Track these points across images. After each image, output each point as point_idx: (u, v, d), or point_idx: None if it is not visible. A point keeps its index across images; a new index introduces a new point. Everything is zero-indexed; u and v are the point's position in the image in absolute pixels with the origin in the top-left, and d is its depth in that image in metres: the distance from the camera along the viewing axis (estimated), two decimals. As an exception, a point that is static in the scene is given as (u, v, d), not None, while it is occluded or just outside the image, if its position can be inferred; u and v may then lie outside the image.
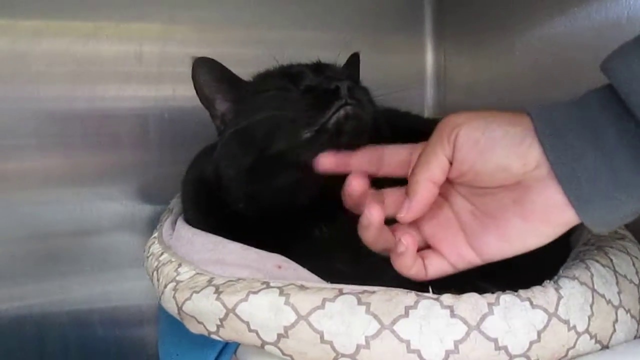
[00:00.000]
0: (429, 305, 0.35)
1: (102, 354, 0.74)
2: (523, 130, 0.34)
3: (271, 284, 0.39)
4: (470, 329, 0.34)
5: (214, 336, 0.40)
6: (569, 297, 0.36)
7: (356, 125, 0.43)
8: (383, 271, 0.40)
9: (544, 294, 0.36)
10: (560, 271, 0.40)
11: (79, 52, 0.70)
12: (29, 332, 0.71)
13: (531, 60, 0.71)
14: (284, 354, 0.37)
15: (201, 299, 0.40)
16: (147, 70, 0.74)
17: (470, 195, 0.38)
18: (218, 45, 0.78)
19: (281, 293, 0.37)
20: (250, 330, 0.37)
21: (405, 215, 0.37)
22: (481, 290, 0.37)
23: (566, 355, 0.35)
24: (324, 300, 0.36)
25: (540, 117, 0.34)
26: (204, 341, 0.42)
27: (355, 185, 0.40)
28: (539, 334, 0.34)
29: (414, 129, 0.44)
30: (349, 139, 0.43)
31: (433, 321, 0.34)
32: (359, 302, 0.36)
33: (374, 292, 0.37)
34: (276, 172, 0.46)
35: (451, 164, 0.36)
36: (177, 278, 0.44)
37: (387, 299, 0.36)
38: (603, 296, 0.38)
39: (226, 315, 0.38)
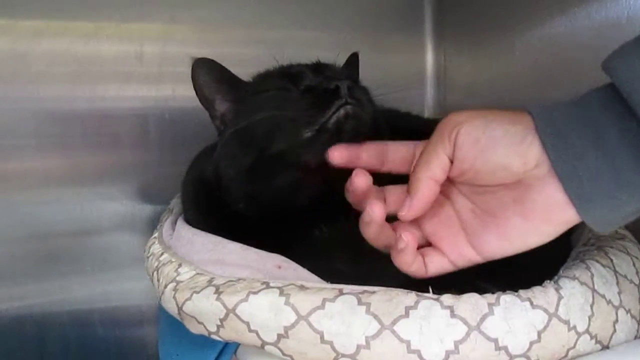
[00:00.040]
0: (429, 306, 0.35)
1: (102, 353, 0.74)
2: (524, 129, 0.34)
3: (271, 284, 0.39)
4: (471, 329, 0.34)
5: (214, 336, 0.40)
6: (569, 297, 0.36)
7: (356, 124, 0.43)
8: (383, 271, 0.40)
9: (544, 294, 0.36)
10: (561, 271, 0.40)
11: (79, 52, 0.70)
12: (29, 332, 0.71)
13: (531, 60, 0.71)
14: (284, 354, 0.37)
15: (201, 299, 0.40)
16: (147, 71, 0.74)
17: (471, 193, 0.38)
18: (218, 45, 0.78)
19: (281, 293, 0.37)
20: (250, 331, 0.37)
21: (406, 213, 0.37)
22: (481, 291, 0.37)
23: (566, 355, 0.35)
24: (324, 300, 0.36)
25: (541, 116, 0.34)
26: (204, 341, 0.42)
27: (359, 182, 0.40)
28: (539, 334, 0.34)
29: (414, 130, 0.44)
30: (349, 138, 0.43)
31: (433, 321, 0.34)
32: (359, 302, 0.36)
33: (374, 292, 0.37)
34: (276, 172, 0.46)
35: (452, 162, 0.36)
36: (177, 278, 0.44)
37: (387, 299, 0.36)
38: (603, 296, 0.38)
39: (226, 315, 0.38)
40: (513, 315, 0.35)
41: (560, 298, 0.36)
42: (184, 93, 0.74)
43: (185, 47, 0.75)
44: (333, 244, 0.46)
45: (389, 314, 0.35)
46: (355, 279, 0.39)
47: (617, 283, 0.39)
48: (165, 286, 0.44)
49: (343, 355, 0.35)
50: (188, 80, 0.52)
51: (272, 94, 0.49)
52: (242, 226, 0.48)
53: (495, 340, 0.34)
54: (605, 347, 0.37)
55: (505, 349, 0.34)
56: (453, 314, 0.35)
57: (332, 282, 0.40)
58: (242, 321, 0.37)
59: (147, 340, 0.76)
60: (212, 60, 0.52)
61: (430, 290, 0.37)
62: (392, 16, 0.90)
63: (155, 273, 0.48)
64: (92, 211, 0.72)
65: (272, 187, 0.47)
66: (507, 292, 0.37)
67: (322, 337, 0.35)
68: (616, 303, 0.38)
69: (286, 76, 0.50)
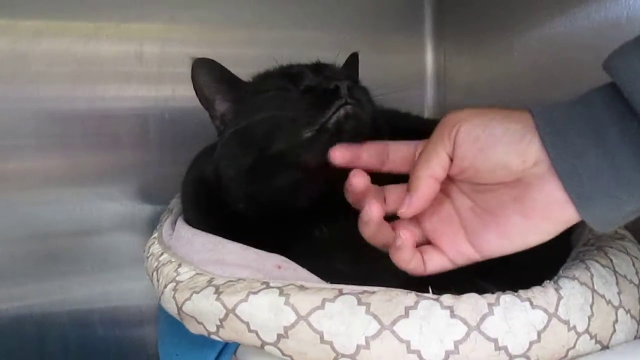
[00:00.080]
0: (429, 306, 0.35)
1: (102, 354, 0.74)
2: (523, 128, 0.34)
3: (271, 284, 0.39)
4: (470, 329, 0.34)
5: (213, 336, 0.40)
6: (569, 297, 0.36)
7: (356, 124, 0.43)
8: (383, 271, 0.40)
9: (544, 294, 0.36)
10: (560, 271, 0.40)
11: (79, 52, 0.70)
12: (29, 332, 0.71)
13: (531, 60, 0.71)
14: (283, 354, 0.37)
15: (201, 299, 0.40)
16: (147, 71, 0.74)
17: (472, 192, 0.38)
18: (218, 46, 0.78)
19: (281, 293, 0.37)
20: (250, 331, 0.37)
21: (405, 210, 0.38)
22: (481, 291, 0.37)
23: (566, 355, 0.35)
24: (324, 300, 0.36)
25: (541, 114, 0.34)
26: (204, 341, 0.42)
27: (357, 182, 0.40)
28: (539, 334, 0.35)
29: (414, 130, 0.44)
30: (349, 138, 0.43)
31: (433, 321, 0.34)
32: (359, 303, 0.36)
33: (374, 292, 0.37)
34: (276, 172, 0.46)
35: (452, 160, 0.36)
36: (177, 278, 0.44)
37: (387, 299, 0.36)
38: (603, 296, 0.38)
39: (226, 315, 0.38)
40: (513, 315, 0.35)
41: (560, 298, 0.36)
42: (183, 93, 0.74)
43: (185, 47, 0.75)
44: (333, 244, 0.46)
45: (388, 314, 0.35)
46: (355, 279, 0.39)
47: (617, 283, 0.39)
48: (165, 286, 0.44)
49: (343, 356, 0.35)
50: (188, 81, 0.52)
51: (272, 94, 0.49)
52: (242, 226, 0.48)
53: (495, 341, 0.34)
54: (605, 347, 0.37)
55: (505, 349, 0.34)
56: (453, 314, 0.35)
57: (331, 282, 0.40)
58: (242, 321, 0.37)
59: (147, 340, 0.76)
60: (212, 60, 0.52)
61: (430, 290, 0.37)
62: (392, 16, 0.90)
63: (154, 273, 0.48)
64: (92, 211, 0.72)
65: (272, 187, 0.47)
66: (507, 292, 0.37)
67: (321, 337, 0.35)
68: (616, 303, 0.38)
69: (286, 76, 0.50)
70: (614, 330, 0.37)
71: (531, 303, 0.35)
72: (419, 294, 0.37)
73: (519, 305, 0.35)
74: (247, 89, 0.52)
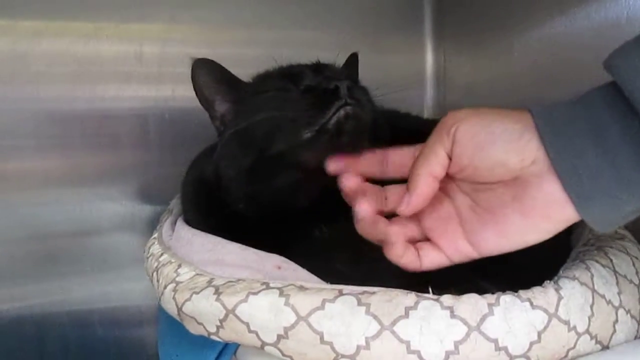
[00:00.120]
0: (429, 306, 0.35)
1: (102, 354, 0.74)
2: (522, 127, 0.34)
3: (271, 285, 0.38)
4: (471, 329, 0.34)
5: (213, 337, 0.40)
6: (569, 297, 0.36)
7: (356, 125, 0.43)
8: (383, 272, 0.40)
9: (544, 294, 0.36)
10: (560, 271, 0.40)
11: (79, 52, 0.70)
12: (29, 333, 0.71)
13: (530, 60, 0.71)
14: (283, 354, 0.37)
15: (201, 300, 0.40)
16: (147, 71, 0.74)
17: (472, 191, 0.38)
18: (218, 46, 0.78)
19: (281, 294, 0.37)
20: (250, 331, 0.37)
21: (404, 209, 0.38)
22: (481, 291, 0.37)
23: (566, 355, 0.35)
24: (324, 301, 0.36)
25: (541, 114, 0.34)
26: (204, 342, 0.42)
27: (347, 182, 0.42)
28: (539, 334, 0.34)
29: (414, 130, 0.44)
30: (349, 138, 0.43)
31: (433, 322, 0.34)
32: (359, 303, 0.36)
33: (373, 292, 0.37)
34: (276, 172, 0.46)
35: (450, 159, 0.37)
36: (177, 279, 0.44)
37: (387, 300, 0.36)
38: (603, 296, 0.38)
39: (226, 316, 0.38)
40: (513, 315, 0.35)
41: (560, 298, 0.36)
42: (183, 93, 0.74)
43: (185, 47, 0.75)
44: (333, 245, 0.46)
45: (388, 314, 0.35)
46: (355, 280, 0.39)
47: (617, 283, 0.39)
48: (165, 287, 0.44)
49: (343, 356, 0.35)
50: (188, 81, 0.52)
51: (272, 95, 0.49)
52: (242, 226, 0.48)
53: (495, 341, 0.34)
54: (605, 347, 0.37)
55: (505, 349, 0.34)
56: (453, 315, 0.35)
57: (331, 283, 0.40)
58: (242, 322, 0.37)
59: (146, 341, 0.76)
60: (212, 61, 0.52)
61: (430, 290, 0.37)
62: (392, 16, 0.90)
63: (154, 274, 0.48)
64: (91, 212, 0.72)
65: (272, 188, 0.47)
66: (507, 292, 0.37)
67: (321, 338, 0.35)
68: (616, 303, 0.38)
69: (286, 76, 0.50)
70: (614, 331, 0.37)
71: (531, 303, 0.35)
72: (419, 294, 0.37)
73: (519, 305, 0.35)
74: (247, 89, 0.52)
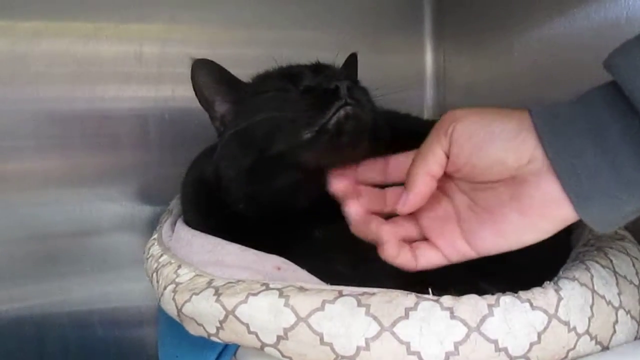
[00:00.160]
0: (429, 307, 0.35)
1: (102, 354, 0.74)
2: (519, 126, 0.34)
3: (270, 286, 0.38)
4: (471, 330, 0.34)
5: (213, 338, 0.40)
6: (569, 298, 0.36)
7: (356, 125, 0.43)
8: (383, 272, 0.40)
9: (544, 295, 0.36)
10: (560, 272, 0.40)
11: (78, 52, 0.70)
12: (28, 333, 0.71)
13: (530, 60, 0.71)
14: (283, 355, 0.37)
15: (201, 301, 0.40)
16: (146, 71, 0.74)
17: (470, 190, 0.38)
18: (218, 46, 0.78)
19: (281, 295, 0.37)
20: (249, 332, 0.37)
21: (402, 207, 0.38)
22: (481, 292, 0.37)
23: (566, 356, 0.35)
24: (324, 302, 0.36)
25: (540, 114, 0.34)
26: (204, 343, 0.42)
27: (336, 185, 0.43)
28: (539, 335, 0.34)
29: (414, 131, 0.44)
30: (349, 139, 0.43)
31: (433, 323, 0.34)
32: (359, 304, 0.36)
33: (373, 293, 0.37)
34: (276, 173, 0.46)
35: (449, 158, 0.37)
36: (177, 280, 0.44)
37: (387, 301, 0.36)
38: (603, 297, 0.38)
39: (226, 317, 0.38)
40: (513, 316, 0.35)
41: (560, 299, 0.36)
42: (183, 94, 0.74)
43: (184, 47, 0.75)
44: (333, 245, 0.46)
45: (388, 315, 0.35)
46: (355, 280, 0.39)
47: (617, 284, 0.39)
48: (165, 288, 0.44)
49: (343, 357, 0.35)
50: (188, 81, 0.52)
51: (272, 95, 0.49)
52: (242, 227, 0.48)
53: (495, 342, 0.34)
54: (605, 348, 0.37)
55: (505, 350, 0.34)
56: (453, 316, 0.35)
57: (331, 283, 0.40)
58: (242, 323, 0.37)
59: (146, 341, 0.76)
60: (212, 62, 0.52)
61: (430, 291, 0.37)
62: (392, 16, 0.90)
63: (154, 274, 0.48)
64: (91, 212, 0.72)
65: (272, 188, 0.47)
66: (507, 293, 0.37)
67: (321, 339, 0.35)
68: (616, 304, 0.38)
69: (285, 77, 0.50)
70: (614, 331, 0.37)
71: (531, 304, 0.35)
72: (419, 295, 0.37)
73: (519, 306, 0.35)
74: (247, 89, 0.52)
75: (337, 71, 0.54)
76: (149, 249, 0.53)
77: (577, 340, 0.35)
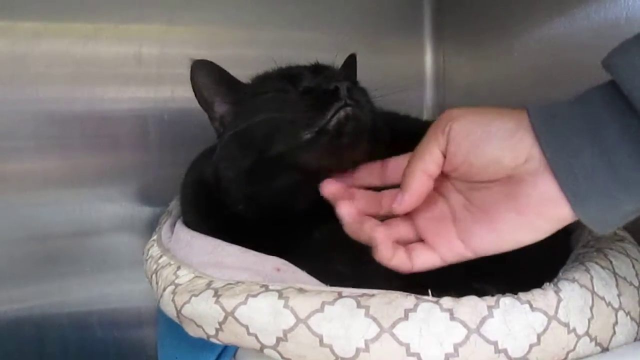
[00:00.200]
0: (429, 308, 0.35)
1: (102, 355, 0.74)
2: (516, 125, 0.34)
3: (270, 287, 0.38)
4: (470, 332, 0.34)
5: (212, 339, 0.40)
6: (569, 299, 0.36)
7: (356, 126, 0.43)
8: (383, 273, 0.40)
9: (543, 296, 0.36)
10: (560, 273, 0.40)
11: (78, 53, 0.70)
12: (28, 334, 0.71)
13: (530, 61, 0.71)
14: (283, 357, 0.37)
15: (200, 302, 0.39)
16: (146, 72, 0.74)
17: (466, 189, 0.38)
18: (217, 47, 0.78)
19: (280, 296, 0.37)
20: (249, 334, 0.37)
21: (398, 207, 0.38)
22: (481, 293, 0.37)
23: (566, 357, 0.35)
24: (323, 303, 0.36)
25: (537, 113, 0.34)
26: (203, 344, 0.41)
27: (327, 188, 0.43)
28: (538, 336, 0.34)
29: (413, 132, 0.44)
30: (349, 140, 0.43)
31: (433, 324, 0.34)
32: (359, 305, 0.36)
33: (373, 295, 0.37)
34: (275, 174, 0.46)
35: (445, 157, 0.36)
36: (176, 281, 0.44)
37: (386, 302, 0.36)
38: (603, 298, 0.38)
39: (225, 318, 0.38)
40: (512, 317, 0.35)
41: (559, 300, 0.36)
42: (183, 94, 0.74)
43: (184, 48, 0.75)
44: (332, 246, 0.46)
45: (388, 316, 0.35)
46: (355, 281, 0.39)
47: (617, 285, 0.39)
48: (164, 289, 0.44)
49: (342, 359, 0.35)
50: (187, 82, 0.52)
51: (271, 96, 0.49)
52: (242, 228, 0.48)
53: (495, 343, 0.34)
54: (605, 350, 0.37)
55: (505, 351, 0.34)
56: (452, 317, 0.35)
57: (331, 284, 0.40)
58: (241, 324, 0.37)
59: (146, 342, 0.76)
60: (211, 62, 0.52)
61: (430, 293, 0.37)
62: (391, 17, 0.90)
63: (154, 276, 0.47)
64: (91, 213, 0.72)
65: (271, 189, 0.47)
66: (507, 294, 0.36)
67: (321, 341, 0.35)
68: (616, 305, 0.38)
69: (285, 78, 0.50)
70: (614, 333, 0.37)
71: (531, 305, 0.35)
72: (419, 296, 0.36)
73: (519, 307, 0.35)
74: (246, 90, 0.52)
75: (336, 72, 0.54)
76: (149, 250, 0.53)
77: (576, 342, 0.35)
